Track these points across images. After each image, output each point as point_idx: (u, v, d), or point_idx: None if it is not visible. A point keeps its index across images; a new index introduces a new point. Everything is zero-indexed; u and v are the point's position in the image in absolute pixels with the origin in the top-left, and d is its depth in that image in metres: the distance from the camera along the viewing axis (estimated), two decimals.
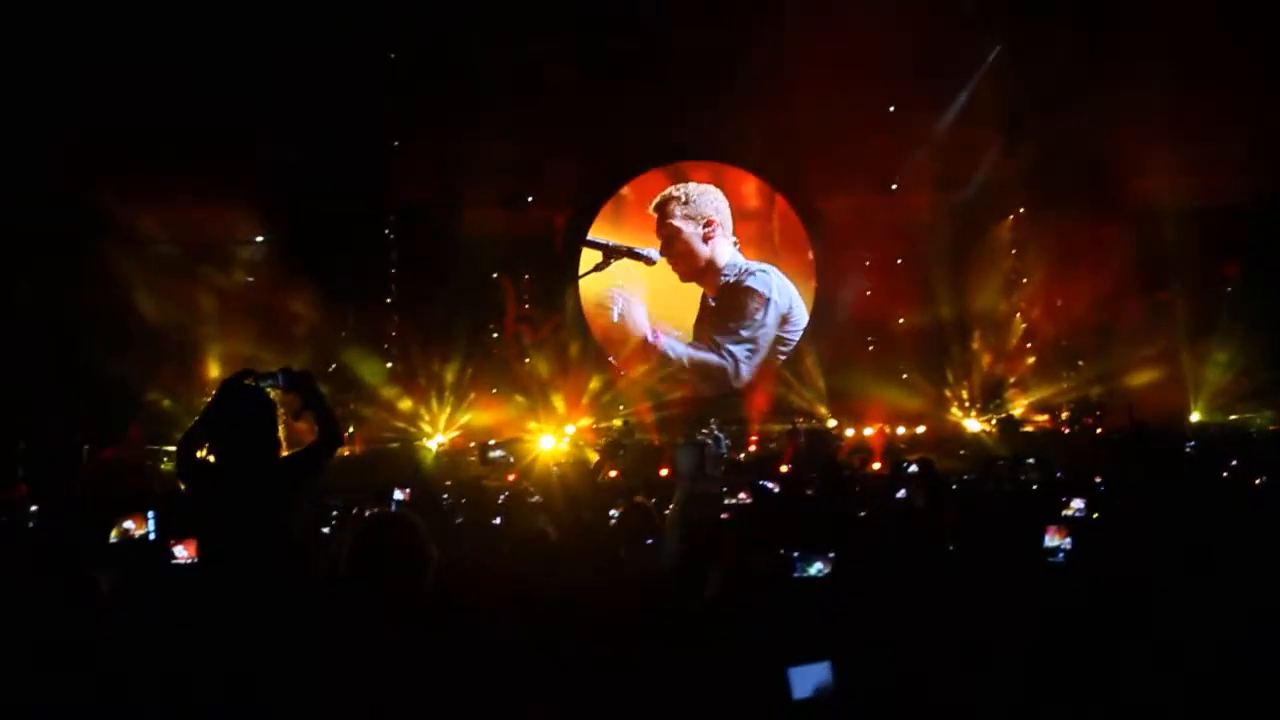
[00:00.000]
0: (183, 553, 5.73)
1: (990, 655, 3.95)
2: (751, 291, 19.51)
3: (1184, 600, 4.38)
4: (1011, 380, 19.30)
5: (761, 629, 4.12)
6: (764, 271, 19.57)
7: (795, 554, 5.25)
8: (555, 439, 16.84)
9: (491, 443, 13.98)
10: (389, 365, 18.54)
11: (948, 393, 19.22)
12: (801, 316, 19.81)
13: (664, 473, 11.70)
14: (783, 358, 19.70)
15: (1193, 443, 13.73)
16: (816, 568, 5.23)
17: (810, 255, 20.11)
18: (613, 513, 6.73)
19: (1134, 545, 5.88)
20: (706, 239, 19.39)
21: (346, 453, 16.19)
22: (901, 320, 19.54)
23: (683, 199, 19.53)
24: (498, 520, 7.77)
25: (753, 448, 17.11)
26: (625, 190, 20.13)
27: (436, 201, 18.72)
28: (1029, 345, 19.49)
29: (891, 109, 18.47)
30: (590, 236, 19.83)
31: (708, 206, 19.52)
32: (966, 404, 19.13)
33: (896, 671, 3.82)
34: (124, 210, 14.67)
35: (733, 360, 19.58)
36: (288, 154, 15.66)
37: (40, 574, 4.94)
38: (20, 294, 12.86)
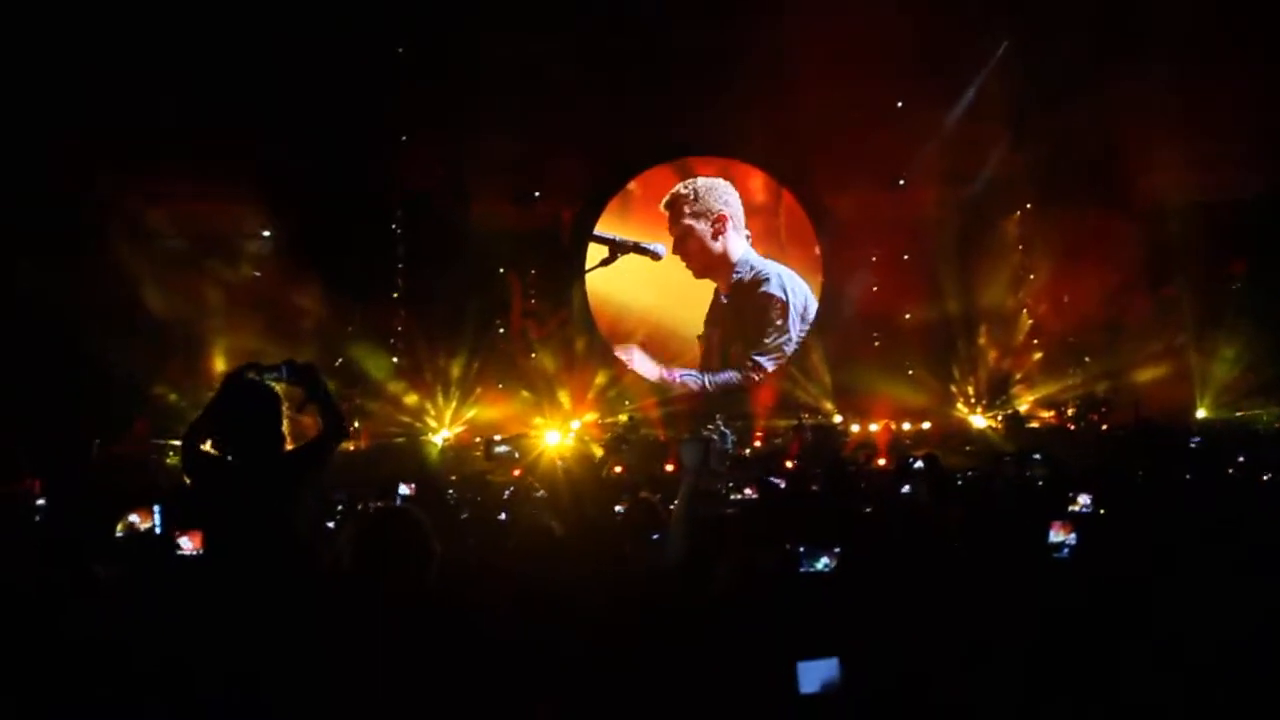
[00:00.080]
0: (188, 544, 5.75)
1: (994, 651, 3.94)
2: (770, 298, 19.50)
3: (1187, 597, 4.37)
4: (1018, 376, 19.28)
5: (767, 624, 4.12)
6: (778, 274, 19.56)
7: (801, 549, 5.25)
8: (561, 434, 16.83)
9: (497, 438, 13.93)
10: (395, 360, 18.54)
11: (954, 389, 19.22)
12: (814, 312, 19.87)
13: (669, 468, 11.69)
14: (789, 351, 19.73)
15: (1198, 438, 13.72)
16: (822, 563, 5.23)
17: (817, 251, 20.10)
18: (618, 508, 6.72)
19: (1138, 541, 5.87)
20: (717, 235, 19.38)
21: (352, 448, 16.18)
22: (908, 316, 19.53)
23: (692, 196, 19.53)
24: (503, 516, 7.77)
25: (758, 443, 17.10)
26: (632, 185, 20.13)
27: (443, 196, 18.68)
28: (1035, 341, 19.47)
29: (899, 104, 18.44)
30: (597, 231, 19.84)
31: (717, 201, 19.51)
32: (972, 400, 19.12)
33: (901, 667, 3.82)
34: (130, 205, 14.69)
35: (760, 371, 19.59)
36: (294, 149, 15.63)
37: (45, 567, 4.95)
38: (27, 289, 12.85)
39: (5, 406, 12.00)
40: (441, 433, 18.12)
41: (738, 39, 17.40)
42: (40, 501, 8.11)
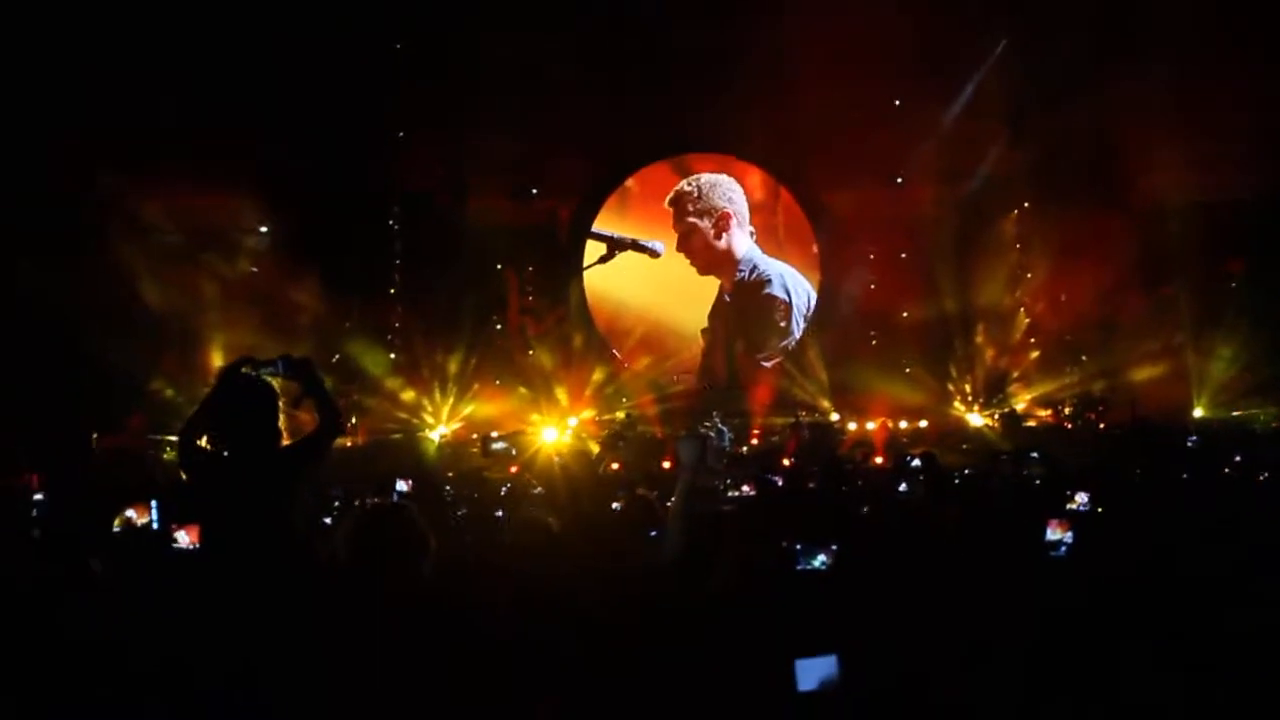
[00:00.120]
0: (184, 538, 5.75)
1: (991, 649, 3.94)
2: (773, 300, 19.57)
3: (1183, 596, 4.37)
4: (1015, 375, 19.28)
5: (765, 621, 4.12)
6: (780, 275, 19.60)
7: (798, 547, 5.26)
8: (558, 431, 16.84)
9: (494, 434, 13.99)
10: (392, 356, 18.53)
11: (951, 387, 19.22)
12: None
13: (666, 465, 11.68)
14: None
15: (1195, 437, 13.73)
16: (819, 561, 5.23)
17: (814, 249, 20.12)
18: (615, 505, 6.72)
19: (1135, 540, 5.88)
20: (720, 233, 19.41)
21: (349, 443, 16.19)
22: (905, 314, 19.54)
23: (695, 193, 19.56)
24: (500, 512, 7.77)
25: (755, 441, 17.09)
26: (630, 182, 20.13)
27: (441, 192, 18.68)
28: (1032, 340, 19.47)
29: (897, 103, 18.44)
30: (595, 229, 19.85)
31: (720, 198, 19.55)
32: (969, 398, 19.12)
33: (899, 664, 3.82)
34: (129, 200, 14.67)
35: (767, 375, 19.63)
36: (292, 145, 15.62)
37: (42, 562, 4.94)
38: (26, 287, 12.84)
39: (4, 403, 12.02)
40: (439, 429, 18.11)
41: (735, 37, 17.39)
42: (37, 496, 8.12)
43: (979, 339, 19.33)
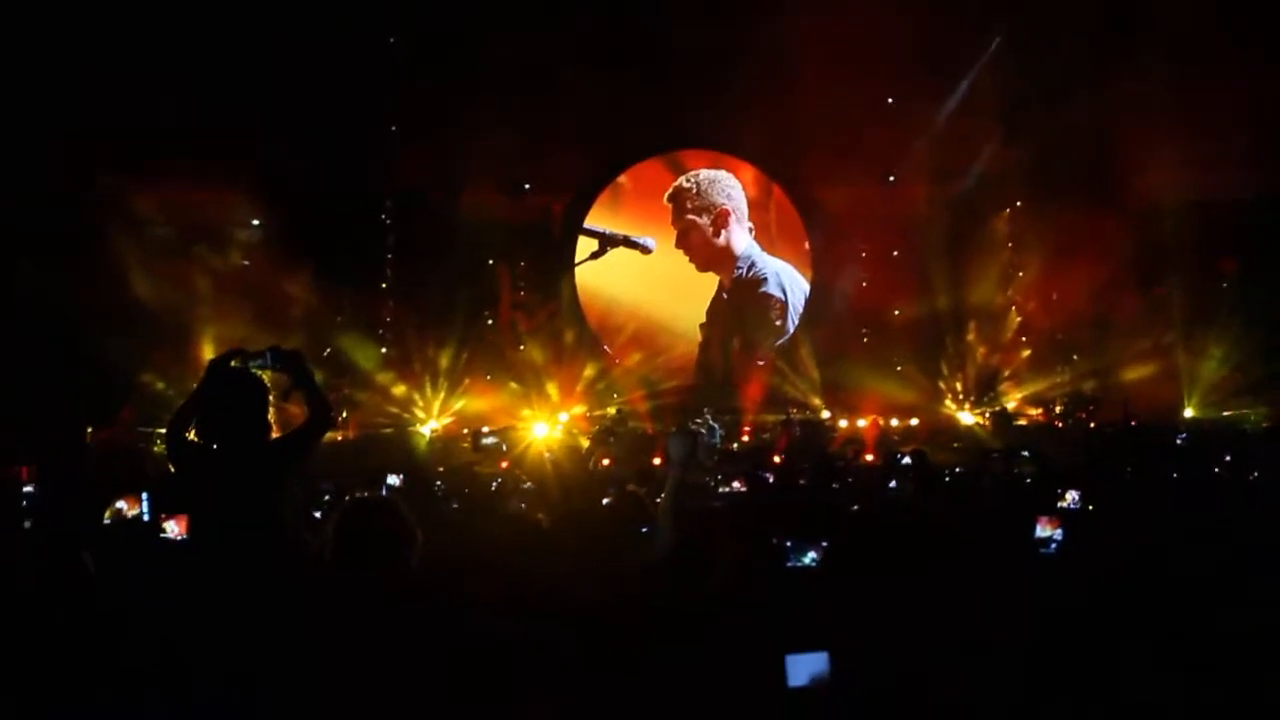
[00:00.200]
0: (174, 528, 5.74)
1: (982, 645, 3.95)
2: (769, 299, 19.60)
3: (1173, 594, 4.38)
4: (1006, 373, 19.32)
5: (756, 617, 4.12)
6: (775, 273, 19.64)
7: (788, 543, 5.26)
8: (549, 427, 16.84)
9: (485, 429, 13.97)
10: (384, 350, 18.50)
11: (942, 385, 19.25)
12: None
13: (657, 461, 11.68)
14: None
15: (1184, 434, 13.76)
16: (809, 557, 5.24)
17: (807, 246, 20.13)
18: (605, 501, 6.72)
19: (1125, 537, 5.89)
20: (719, 230, 19.43)
21: (340, 438, 16.17)
22: (897, 312, 19.59)
23: (693, 190, 19.57)
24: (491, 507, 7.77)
25: (746, 438, 17.10)
26: (623, 179, 20.12)
27: (434, 187, 18.63)
28: (1024, 338, 19.52)
29: (890, 100, 18.47)
30: (587, 225, 19.83)
31: (719, 195, 19.57)
32: (961, 396, 19.15)
33: (889, 661, 3.82)
34: (122, 193, 14.62)
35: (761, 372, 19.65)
36: (286, 140, 15.59)
37: (36, 556, 4.93)
38: (21, 280, 12.80)
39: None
40: (429, 424, 18.08)
41: (729, 35, 17.39)
42: (28, 489, 8.09)
43: (971, 337, 19.36)
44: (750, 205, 19.88)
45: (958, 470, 10.67)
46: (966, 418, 18.63)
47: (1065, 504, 7.16)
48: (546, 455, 9.95)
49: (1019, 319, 19.56)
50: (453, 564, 4.31)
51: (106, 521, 6.39)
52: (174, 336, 15.34)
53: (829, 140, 17.98)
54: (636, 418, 17.73)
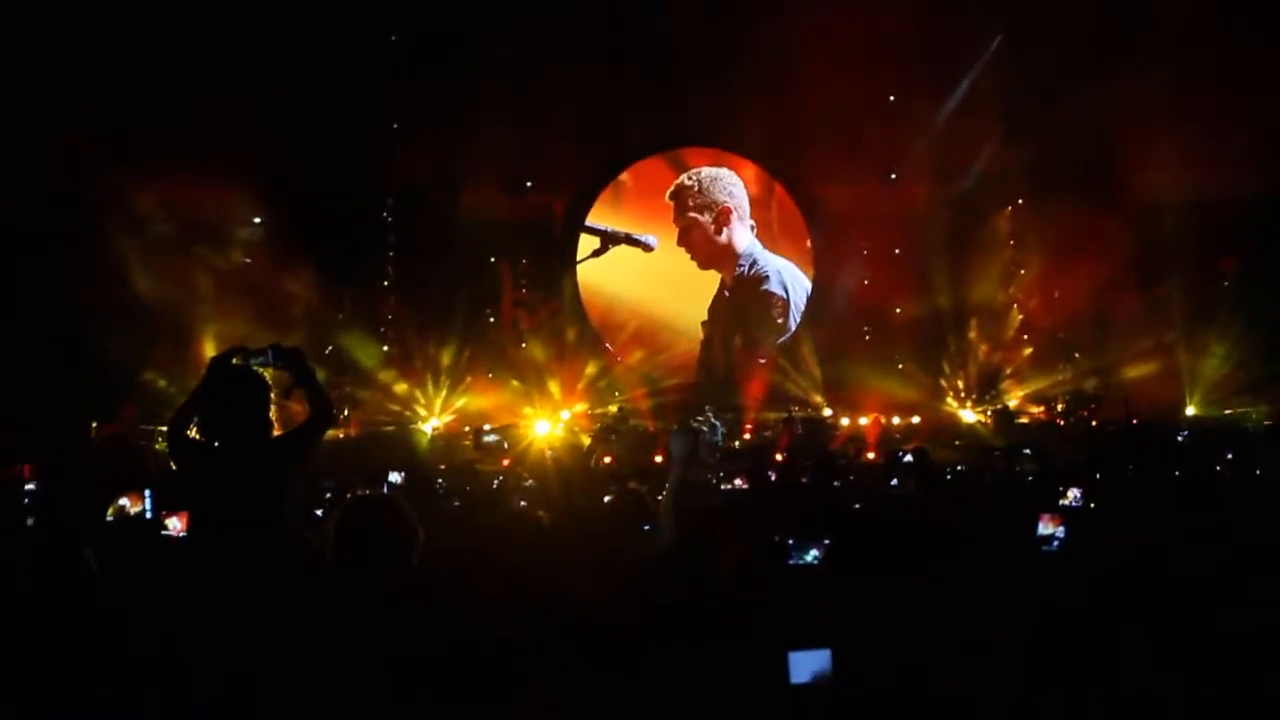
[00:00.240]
0: (175, 525, 5.74)
1: (983, 642, 3.95)
2: (771, 297, 19.59)
3: (1175, 592, 4.38)
4: (1008, 371, 19.31)
5: (758, 615, 4.12)
6: (777, 271, 19.65)
7: (790, 541, 5.26)
8: (550, 424, 16.84)
9: (486, 427, 13.99)
10: (385, 349, 18.48)
11: (944, 383, 19.23)
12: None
13: (658, 459, 11.68)
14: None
15: (1185, 433, 13.75)
16: (811, 555, 5.23)
17: (808, 244, 20.12)
18: (606, 499, 6.72)
19: (1127, 535, 5.89)
20: (721, 228, 19.42)
21: (341, 435, 16.17)
22: (898, 310, 19.57)
23: (696, 188, 19.55)
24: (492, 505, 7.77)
25: (748, 436, 17.09)
26: (624, 176, 20.11)
27: (435, 185, 18.60)
28: (1026, 337, 19.50)
29: (891, 99, 18.46)
30: (588, 222, 19.83)
31: (721, 193, 19.55)
32: (962, 395, 19.14)
33: (891, 658, 3.83)
34: (122, 191, 14.62)
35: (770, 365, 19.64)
36: (287, 137, 15.58)
37: (37, 552, 4.93)
38: (23, 279, 12.80)
39: (2, 396, 11.99)
40: (431, 421, 18.07)
41: (731, 33, 17.42)
42: (29, 486, 8.09)
43: (972, 335, 19.34)
44: (752, 203, 19.86)
45: (959, 468, 10.66)
46: (968, 416, 18.62)
47: (1067, 502, 7.17)
48: (548, 453, 9.97)
49: (1020, 317, 19.54)
50: (454, 562, 4.31)
51: (109, 519, 6.40)
52: (175, 334, 15.32)
53: (830, 138, 17.94)
54: (638, 415, 17.73)
